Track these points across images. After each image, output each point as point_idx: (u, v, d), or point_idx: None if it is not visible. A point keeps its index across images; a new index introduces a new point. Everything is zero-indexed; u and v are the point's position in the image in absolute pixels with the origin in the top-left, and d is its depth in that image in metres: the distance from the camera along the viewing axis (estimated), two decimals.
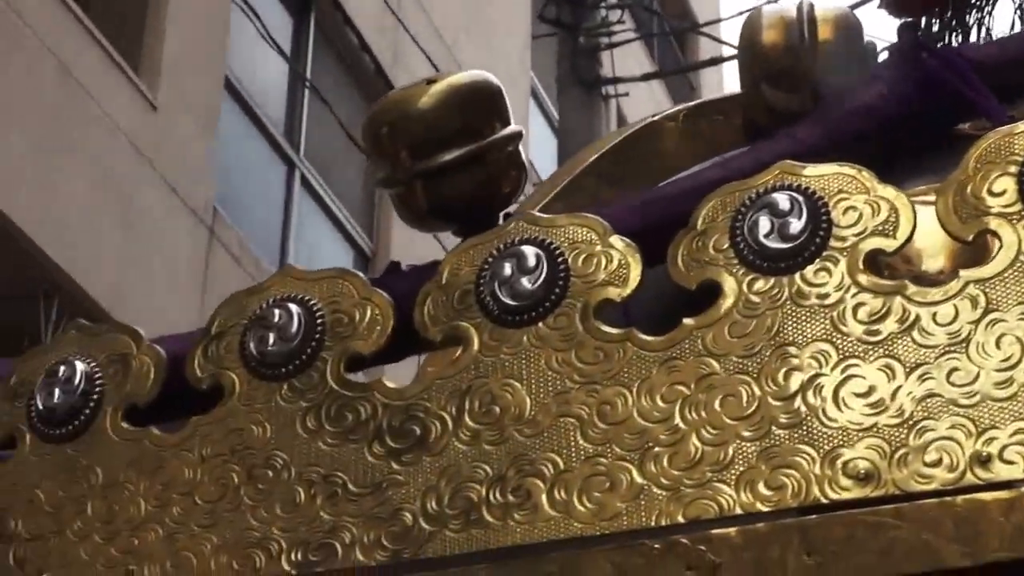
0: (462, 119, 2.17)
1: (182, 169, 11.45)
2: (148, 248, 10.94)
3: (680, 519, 1.67)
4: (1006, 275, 1.67)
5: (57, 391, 1.99)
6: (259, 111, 13.03)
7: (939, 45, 2.39)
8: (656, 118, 2.86)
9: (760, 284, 1.76)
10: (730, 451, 1.68)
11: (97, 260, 10.18)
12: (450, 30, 14.39)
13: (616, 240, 1.85)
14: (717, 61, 14.93)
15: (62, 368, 2.02)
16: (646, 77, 13.88)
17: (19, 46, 9.90)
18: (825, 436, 1.65)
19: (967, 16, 2.54)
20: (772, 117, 2.42)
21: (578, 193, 2.55)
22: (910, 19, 2.42)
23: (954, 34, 2.50)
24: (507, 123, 2.18)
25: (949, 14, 2.49)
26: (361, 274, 2.03)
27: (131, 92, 11.13)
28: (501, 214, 2.11)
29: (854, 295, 1.71)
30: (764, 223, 1.77)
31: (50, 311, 9.19)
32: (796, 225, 1.75)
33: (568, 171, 2.71)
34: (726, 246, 1.79)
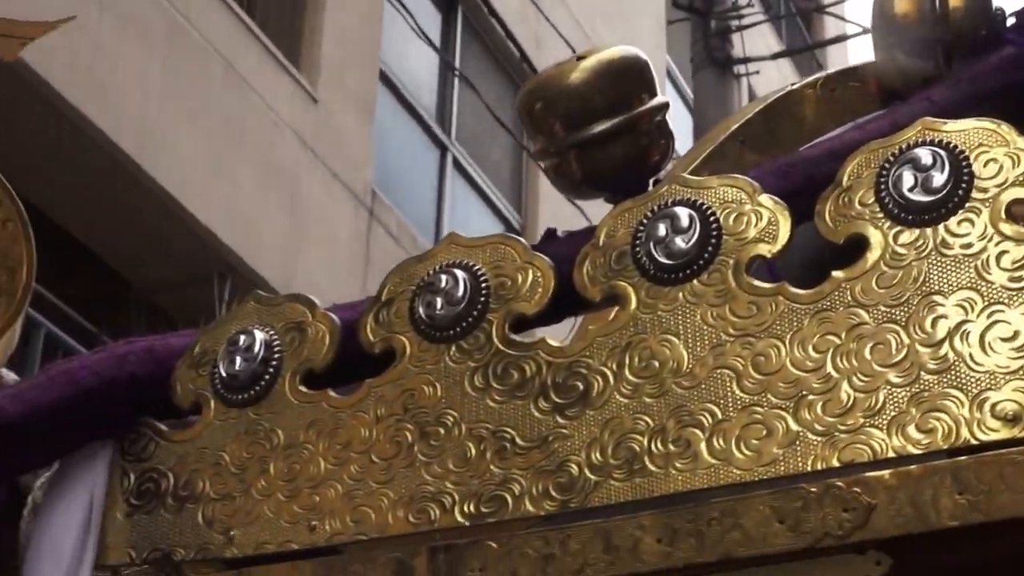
0: (612, 92, 2.31)
1: (342, 157, 12.16)
2: (313, 230, 11.58)
3: (835, 463, 1.82)
4: None
5: (238, 359, 2.18)
6: (412, 100, 13.80)
7: None
8: (795, 86, 2.98)
9: (905, 236, 1.88)
10: (881, 397, 1.82)
11: (266, 243, 10.80)
12: (587, 17, 14.94)
13: (765, 199, 1.98)
14: (842, 39, 15.87)
15: (243, 337, 2.20)
16: (775, 56, 14.50)
17: (191, 51, 10.63)
18: (973, 380, 1.79)
19: None
20: (905, 83, 2.56)
21: (722, 159, 2.67)
22: None
23: None
24: (654, 95, 2.34)
25: None
26: (522, 239, 2.18)
27: (293, 88, 11.87)
28: (651, 181, 2.24)
29: (997, 244, 1.82)
30: (908, 178, 1.90)
31: (224, 291, 9.77)
32: (939, 179, 1.88)
33: (712, 139, 2.82)
34: (871, 201, 1.92)
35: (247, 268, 10.64)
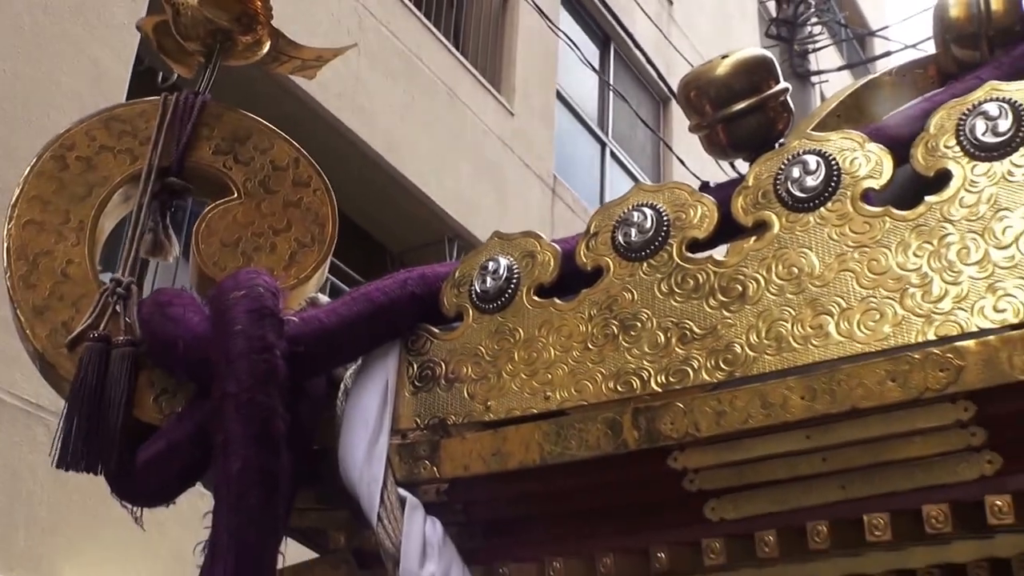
0: (748, 79, 2.42)
1: (532, 152, 12.86)
2: (512, 205, 12.08)
3: (932, 337, 1.89)
4: None
5: (488, 278, 2.29)
6: (580, 110, 14.62)
7: None
8: (877, 75, 3.02)
9: (980, 168, 1.94)
10: (965, 287, 1.89)
11: (480, 215, 11.24)
12: (704, 46, 15.36)
13: (872, 146, 2.06)
14: (887, 55, 16.68)
15: (491, 263, 2.30)
16: (839, 69, 15.23)
17: (423, 81, 11.21)
18: None
19: None
20: (959, 68, 2.61)
21: (823, 129, 2.59)
22: None
23: None
24: (779, 81, 2.43)
25: None
26: (689, 184, 2.26)
27: (495, 105, 12.51)
28: (776, 144, 2.30)
29: None
30: (980, 125, 1.96)
31: (451, 251, 10.15)
32: (1004, 124, 1.94)
33: (816, 115, 2.87)
34: (953, 143, 1.98)
35: (467, 233, 11.09)
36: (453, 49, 11.90)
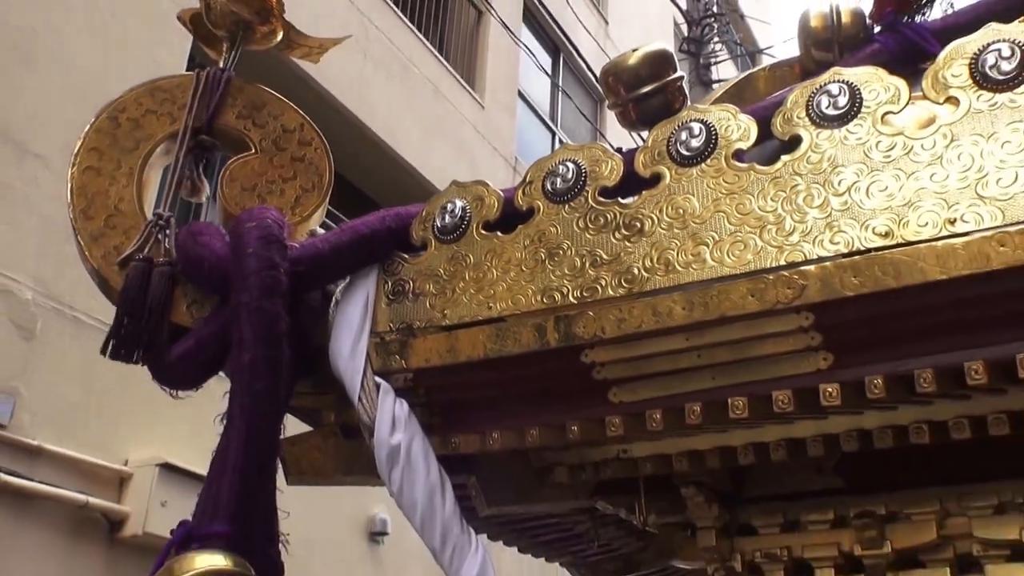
0: (652, 69, 2.39)
1: (498, 138, 12.75)
2: (484, 180, 11.95)
3: (783, 263, 1.89)
4: None
5: (447, 216, 2.27)
6: (535, 106, 14.51)
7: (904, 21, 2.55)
8: (754, 70, 3.04)
9: (823, 134, 1.93)
10: (809, 225, 1.88)
11: None
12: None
13: (742, 116, 2.05)
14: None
15: (449, 204, 2.28)
16: (735, 78, 15.77)
17: (414, 80, 11.11)
18: (861, 214, 1.85)
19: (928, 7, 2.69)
20: (817, 66, 2.59)
21: None
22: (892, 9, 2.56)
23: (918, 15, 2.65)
24: (676, 71, 2.39)
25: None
26: (604, 145, 2.23)
27: (470, 100, 12.38)
28: None
29: (879, 136, 1.89)
30: (824, 100, 1.95)
31: None
32: (842, 100, 1.94)
33: (707, 100, 2.81)
34: (803, 115, 1.96)
35: None
36: (438, 55, 11.82)
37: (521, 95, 14.04)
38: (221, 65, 2.67)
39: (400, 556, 8.86)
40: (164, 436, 6.77)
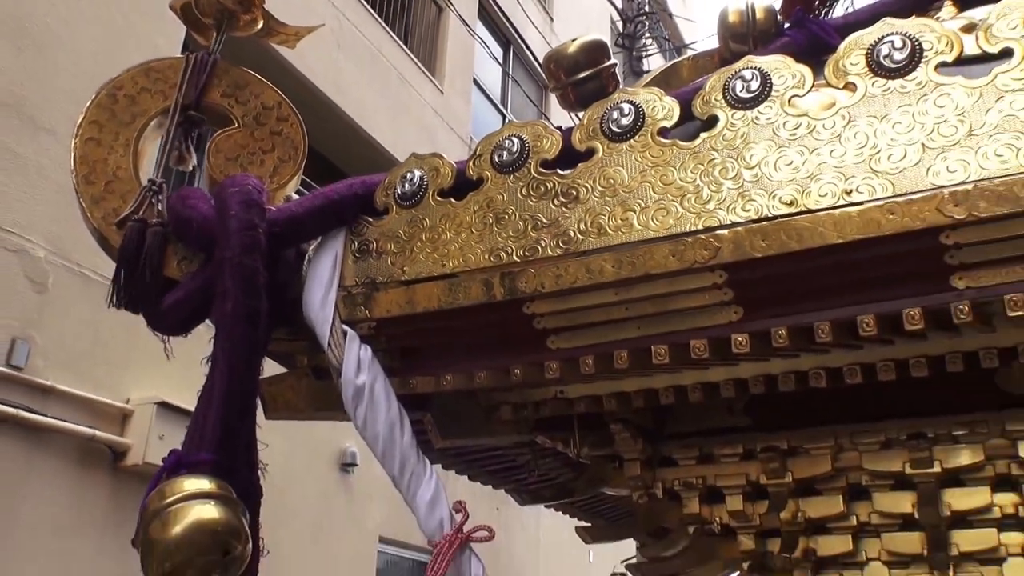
0: (589, 56, 2.31)
1: (456, 120, 12.54)
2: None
3: (701, 227, 1.86)
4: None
5: (406, 184, 2.20)
6: (489, 92, 14.30)
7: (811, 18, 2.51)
8: (679, 60, 2.98)
9: (737, 115, 1.90)
10: (724, 195, 1.85)
11: None
12: None
13: (667, 98, 2.01)
14: None
15: (408, 174, 2.21)
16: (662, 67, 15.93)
17: (381, 68, 10.90)
18: (769, 185, 1.82)
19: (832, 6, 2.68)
20: (733, 57, 2.46)
21: None
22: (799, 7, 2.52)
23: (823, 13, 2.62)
24: (610, 58, 2.32)
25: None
26: (546, 122, 2.18)
27: (431, 86, 12.14)
28: None
29: (786, 117, 1.88)
30: (739, 84, 1.91)
31: None
32: (755, 84, 1.90)
33: (638, 86, 2.76)
34: (720, 97, 1.92)
35: None
36: (403, 46, 11.63)
37: (476, 82, 13.90)
38: (209, 50, 2.59)
39: (367, 484, 8.85)
40: (162, 378, 6.78)
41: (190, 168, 2.55)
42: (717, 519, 2.56)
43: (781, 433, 2.51)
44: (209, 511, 1.86)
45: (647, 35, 14.40)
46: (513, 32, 14.46)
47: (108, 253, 2.36)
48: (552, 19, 16.46)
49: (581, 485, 2.95)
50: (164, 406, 6.68)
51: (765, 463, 2.49)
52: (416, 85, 11.73)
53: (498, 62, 14.40)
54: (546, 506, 3.15)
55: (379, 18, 11.11)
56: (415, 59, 11.91)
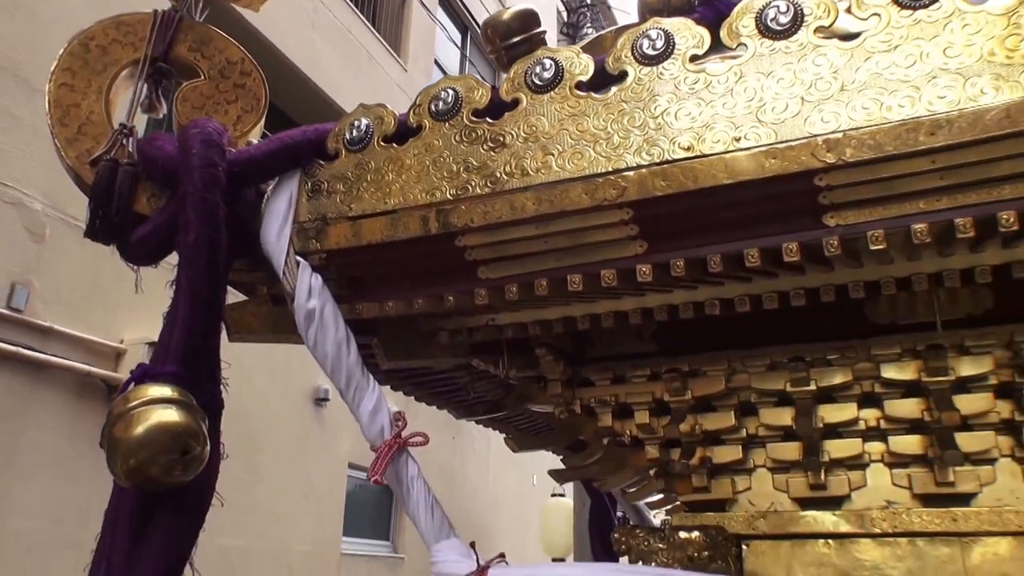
0: (521, 23, 2.31)
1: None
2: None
3: (610, 169, 1.85)
4: None
5: (354, 131, 2.17)
6: (447, 72, 13.79)
7: None
8: (603, 32, 2.88)
9: (645, 70, 1.87)
10: (631, 141, 1.84)
11: None
12: None
13: (584, 55, 1.98)
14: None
15: (356, 122, 2.17)
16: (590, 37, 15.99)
17: (352, 47, 10.58)
18: (671, 132, 1.81)
19: None
20: None
21: None
22: None
23: None
24: (540, 26, 2.31)
25: None
26: (477, 76, 2.16)
27: (397, 65, 11.83)
28: None
29: (685, 87, 1.88)
30: (645, 43, 1.89)
31: None
32: (660, 43, 1.88)
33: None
34: (629, 54, 1.89)
35: None
36: (371, 27, 11.35)
37: (437, 63, 13.64)
38: (175, 7, 2.49)
39: (338, 417, 8.83)
40: (153, 320, 6.57)
41: (160, 116, 2.46)
42: (627, 432, 2.58)
43: (683, 357, 2.53)
44: (170, 415, 1.83)
45: (588, 25, 14.23)
46: (470, 18, 14.23)
47: (82, 190, 2.28)
48: (504, 7, 16.21)
49: (510, 402, 2.96)
50: (155, 345, 6.58)
51: (669, 383, 2.51)
52: (383, 64, 11.49)
53: (457, 45, 14.16)
54: (477, 421, 3.16)
55: (350, 2, 10.86)
56: (382, 40, 11.66)
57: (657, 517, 4.29)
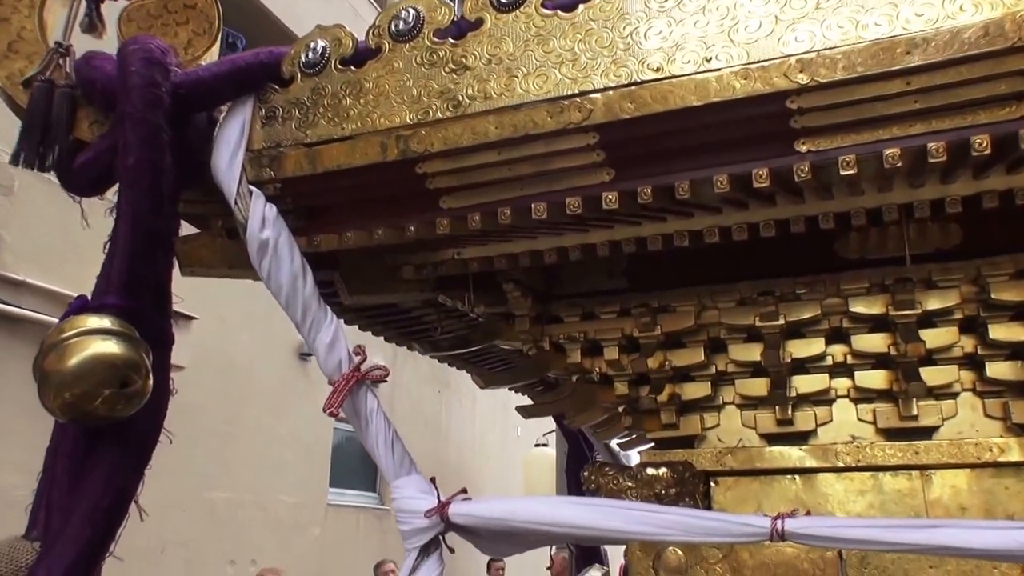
0: None
1: None
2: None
3: (576, 91, 1.77)
4: None
5: (311, 53, 2.05)
6: None
7: None
8: None
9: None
10: (598, 62, 1.75)
11: None
12: None
13: None
14: None
15: (312, 44, 2.06)
16: None
17: (336, 4, 9.96)
18: (639, 53, 1.73)
19: None
20: None
21: None
22: None
23: None
24: None
25: None
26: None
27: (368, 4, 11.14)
28: None
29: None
30: None
31: None
32: None
33: None
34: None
35: None
36: None
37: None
38: None
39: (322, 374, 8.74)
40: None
41: (102, 37, 2.30)
42: (596, 368, 2.55)
43: (653, 293, 2.50)
44: (109, 346, 1.74)
45: None
46: None
47: (16, 113, 2.15)
48: None
49: (478, 337, 2.90)
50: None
51: (638, 319, 2.47)
52: (367, 19, 11.09)
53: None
54: (440, 359, 3.10)
55: None
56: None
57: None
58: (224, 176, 2.05)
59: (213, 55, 2.34)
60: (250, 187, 2.06)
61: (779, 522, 1.68)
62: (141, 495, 1.91)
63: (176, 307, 2.16)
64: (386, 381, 2.03)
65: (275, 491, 8.31)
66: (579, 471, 4.07)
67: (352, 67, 2.02)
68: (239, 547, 7.75)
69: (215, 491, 7.38)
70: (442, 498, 1.91)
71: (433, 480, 1.95)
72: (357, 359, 2.02)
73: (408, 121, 1.92)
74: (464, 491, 1.94)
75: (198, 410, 7.32)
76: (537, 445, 8.86)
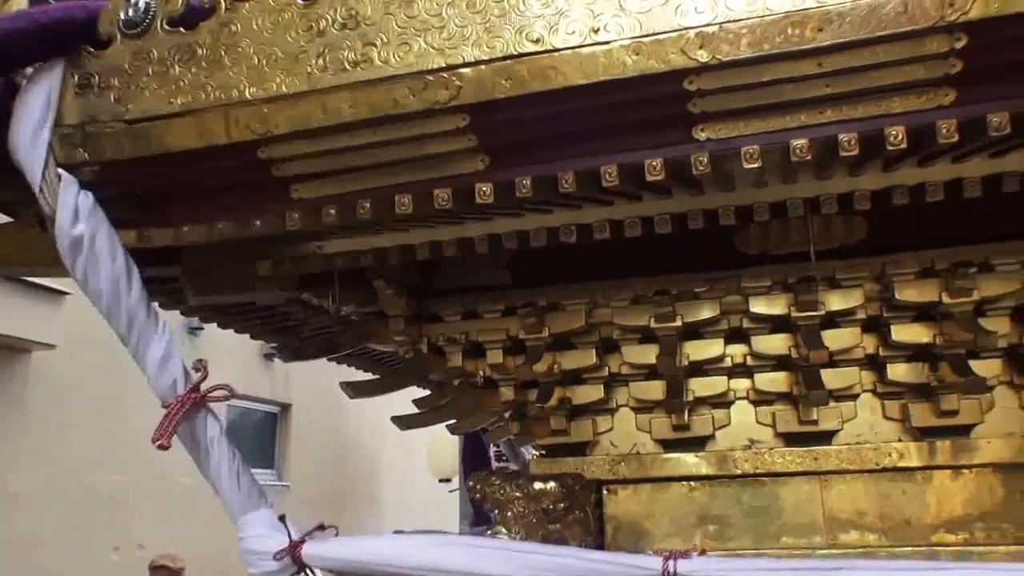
0: None
1: None
2: None
3: (443, 64, 1.51)
4: None
5: (131, 11, 1.72)
6: None
7: None
8: None
9: None
10: (469, 30, 1.50)
11: None
12: None
13: None
14: None
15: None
16: None
17: None
18: (518, 22, 1.48)
19: None
20: None
21: None
22: None
23: None
24: None
25: None
26: None
27: None
28: None
29: None
30: None
31: None
32: None
33: None
34: None
35: None
36: None
37: None
38: None
39: (214, 346, 8.14)
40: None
41: None
42: (479, 372, 2.31)
43: (540, 290, 2.27)
44: None
45: None
46: None
47: None
48: None
49: (348, 340, 2.60)
50: None
51: (524, 318, 2.24)
52: None
53: None
54: (329, 359, 2.79)
55: None
56: None
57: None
58: (26, 157, 1.69)
59: (17, 4, 1.95)
60: (59, 171, 1.69)
61: (671, 563, 1.47)
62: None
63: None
64: (229, 399, 1.71)
65: (171, 472, 7.78)
66: (477, 464, 3.86)
67: (182, 28, 1.69)
68: (126, 532, 7.27)
69: (98, 474, 6.86)
70: (294, 536, 1.62)
71: (283, 518, 1.65)
72: (197, 377, 1.70)
73: (248, 96, 1.61)
74: (322, 526, 1.66)
75: (73, 390, 6.73)
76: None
